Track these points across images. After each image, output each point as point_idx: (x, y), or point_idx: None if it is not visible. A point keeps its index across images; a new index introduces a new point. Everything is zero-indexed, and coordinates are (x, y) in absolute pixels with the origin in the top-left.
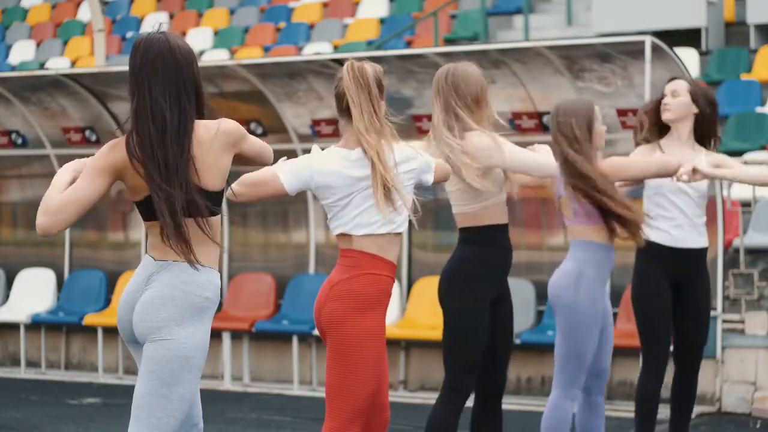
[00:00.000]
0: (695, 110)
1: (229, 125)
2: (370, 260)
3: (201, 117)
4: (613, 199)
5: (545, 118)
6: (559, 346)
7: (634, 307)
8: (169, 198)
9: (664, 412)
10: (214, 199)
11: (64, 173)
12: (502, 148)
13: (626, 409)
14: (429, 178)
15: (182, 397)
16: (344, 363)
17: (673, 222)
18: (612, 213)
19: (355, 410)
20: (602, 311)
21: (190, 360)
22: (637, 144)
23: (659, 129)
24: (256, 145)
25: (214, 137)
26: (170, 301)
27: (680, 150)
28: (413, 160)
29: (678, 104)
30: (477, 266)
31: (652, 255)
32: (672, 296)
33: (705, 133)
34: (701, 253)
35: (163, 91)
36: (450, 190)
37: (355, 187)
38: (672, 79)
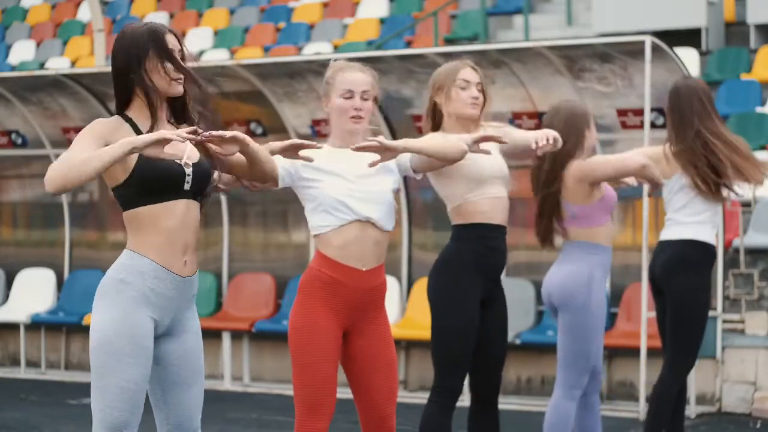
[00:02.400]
0: None
1: None
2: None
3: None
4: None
5: (545, 118)
6: (566, 346)
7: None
8: None
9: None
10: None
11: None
12: None
13: (626, 409)
14: None
15: (118, 386)
16: None
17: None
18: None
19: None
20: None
21: (113, 344)
22: None
23: None
24: None
25: None
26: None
27: None
28: None
29: None
30: (461, 264)
31: None
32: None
33: None
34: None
35: None
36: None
37: None
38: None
